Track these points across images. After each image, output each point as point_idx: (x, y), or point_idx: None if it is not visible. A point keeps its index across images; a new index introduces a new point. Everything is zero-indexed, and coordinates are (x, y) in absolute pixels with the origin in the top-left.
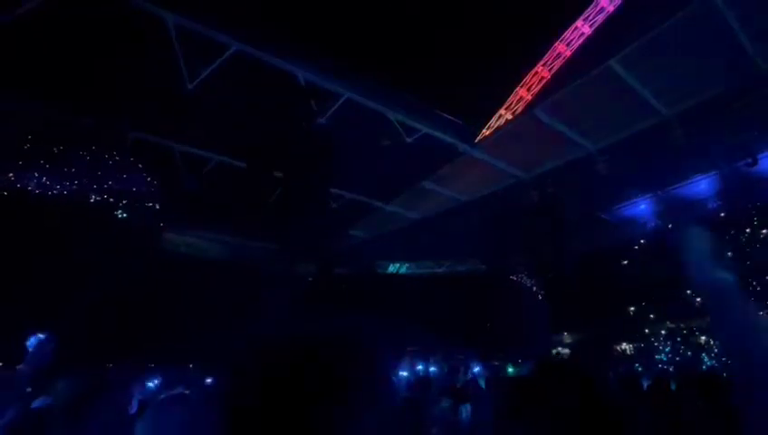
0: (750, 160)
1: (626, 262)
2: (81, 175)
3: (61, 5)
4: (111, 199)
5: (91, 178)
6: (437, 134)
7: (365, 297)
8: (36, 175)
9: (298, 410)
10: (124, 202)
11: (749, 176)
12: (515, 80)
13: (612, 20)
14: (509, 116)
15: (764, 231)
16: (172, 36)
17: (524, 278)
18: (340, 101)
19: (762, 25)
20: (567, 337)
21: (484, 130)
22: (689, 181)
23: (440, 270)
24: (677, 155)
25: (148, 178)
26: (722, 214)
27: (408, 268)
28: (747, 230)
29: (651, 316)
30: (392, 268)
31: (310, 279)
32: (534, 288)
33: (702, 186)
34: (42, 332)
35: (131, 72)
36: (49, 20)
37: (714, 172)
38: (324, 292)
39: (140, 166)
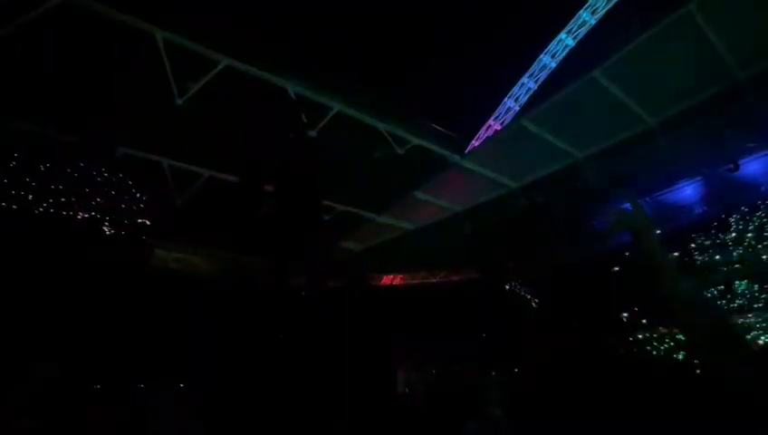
0: (732, 166)
1: (617, 268)
2: (69, 192)
3: (46, 22)
4: (99, 216)
5: (79, 194)
6: (429, 145)
7: (359, 310)
8: (23, 193)
9: (300, 418)
10: (112, 218)
11: (732, 181)
12: (503, 91)
13: (594, 32)
14: (498, 126)
15: (749, 235)
16: (161, 52)
17: (518, 286)
18: (331, 114)
19: (737, 37)
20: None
21: (473, 141)
22: (675, 187)
23: (434, 280)
24: (663, 162)
25: (137, 194)
26: (708, 218)
27: (402, 279)
28: (733, 235)
29: (644, 321)
30: (386, 280)
31: (303, 293)
32: (528, 296)
33: (687, 192)
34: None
35: (119, 87)
36: (33, 36)
37: (698, 178)
38: (317, 305)
39: (129, 182)
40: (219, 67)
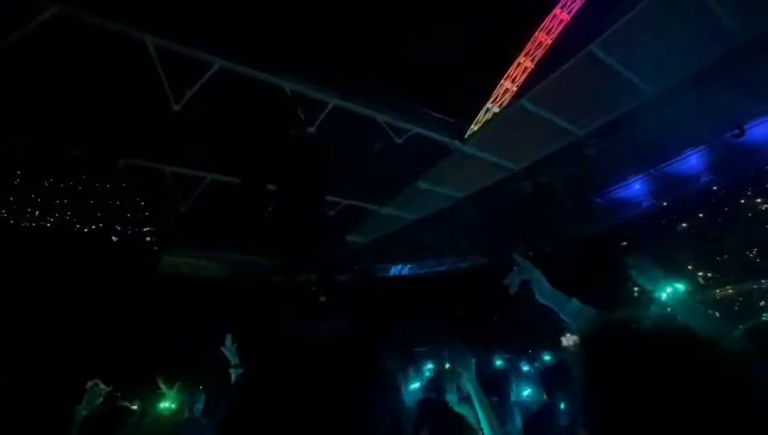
0: (737, 132)
1: (625, 243)
2: (74, 205)
3: (40, 37)
4: (106, 227)
5: (84, 207)
6: (427, 133)
7: (369, 302)
8: (29, 209)
9: (309, 412)
10: (118, 229)
11: (738, 147)
12: (499, 72)
13: (589, 5)
14: (496, 109)
15: (759, 200)
16: (154, 59)
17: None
18: (328, 109)
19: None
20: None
21: (472, 126)
22: (680, 157)
23: (442, 268)
24: (666, 133)
25: (142, 203)
26: (714, 187)
27: (410, 269)
28: (741, 201)
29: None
30: (394, 270)
31: (312, 289)
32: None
33: (692, 161)
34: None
35: (115, 98)
36: (28, 52)
37: (703, 146)
38: (327, 300)
39: (133, 191)
40: (213, 69)
